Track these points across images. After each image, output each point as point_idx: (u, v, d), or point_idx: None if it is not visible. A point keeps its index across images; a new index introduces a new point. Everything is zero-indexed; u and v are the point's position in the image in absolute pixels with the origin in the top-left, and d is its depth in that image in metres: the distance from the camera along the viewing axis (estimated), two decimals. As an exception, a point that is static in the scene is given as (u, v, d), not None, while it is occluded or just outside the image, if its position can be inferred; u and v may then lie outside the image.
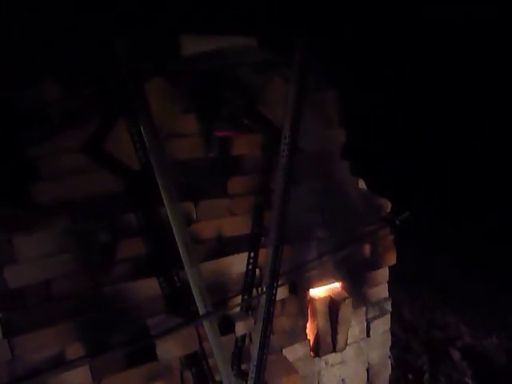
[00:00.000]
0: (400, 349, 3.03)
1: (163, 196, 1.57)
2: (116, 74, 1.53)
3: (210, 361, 1.88)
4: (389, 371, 2.51)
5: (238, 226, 1.88)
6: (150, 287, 1.72)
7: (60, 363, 1.59)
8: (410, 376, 2.77)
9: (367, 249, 2.25)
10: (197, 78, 1.73)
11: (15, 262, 1.49)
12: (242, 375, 1.94)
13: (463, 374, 2.73)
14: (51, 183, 1.51)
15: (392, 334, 2.46)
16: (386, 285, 2.38)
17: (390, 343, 2.47)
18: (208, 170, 1.78)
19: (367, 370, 2.42)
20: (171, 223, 1.60)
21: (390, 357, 2.51)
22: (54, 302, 1.57)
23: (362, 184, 2.29)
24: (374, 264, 2.29)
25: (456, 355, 2.90)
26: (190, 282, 1.65)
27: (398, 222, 2.23)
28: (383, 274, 2.34)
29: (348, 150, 2.17)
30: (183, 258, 1.63)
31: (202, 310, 1.69)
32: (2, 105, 1.55)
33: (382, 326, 2.41)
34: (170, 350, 1.66)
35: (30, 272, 1.52)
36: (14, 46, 1.77)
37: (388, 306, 2.40)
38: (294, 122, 1.81)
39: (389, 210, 2.30)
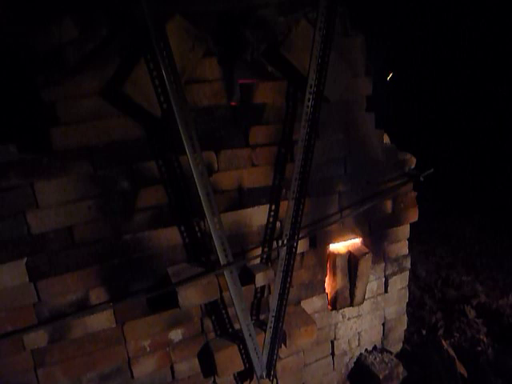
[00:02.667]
0: (414, 305, 3.05)
1: (185, 144, 1.52)
2: (135, 12, 1.45)
3: (229, 310, 1.91)
4: (404, 326, 2.53)
5: (259, 177, 1.84)
6: (170, 236, 1.72)
7: (84, 307, 1.62)
8: (424, 332, 2.79)
9: (389, 205, 2.20)
10: (219, 18, 1.63)
11: (38, 207, 1.48)
12: (261, 325, 1.97)
13: (478, 331, 2.74)
14: (71, 127, 1.47)
15: (407, 291, 2.46)
16: (407, 242, 2.35)
17: (406, 299, 2.48)
18: (229, 119, 1.72)
19: (383, 325, 2.45)
20: (193, 172, 1.56)
21: (405, 313, 2.53)
22: (77, 247, 1.58)
23: (386, 138, 2.21)
24: (396, 220, 2.25)
25: (471, 313, 2.91)
26: (212, 231, 1.64)
27: (422, 179, 2.17)
28: (404, 230, 2.31)
29: (374, 101, 2.08)
30: (204, 208, 1.61)
31: (222, 260, 1.69)
32: (20, 46, 1.49)
33: (400, 283, 2.41)
34: (191, 297, 1.67)
35: (53, 217, 1.51)
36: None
37: (407, 263, 2.39)
38: (320, 70, 1.72)
39: (413, 165, 2.23)
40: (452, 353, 2.42)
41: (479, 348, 2.59)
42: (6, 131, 1.52)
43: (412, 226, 2.33)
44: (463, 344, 2.65)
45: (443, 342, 2.49)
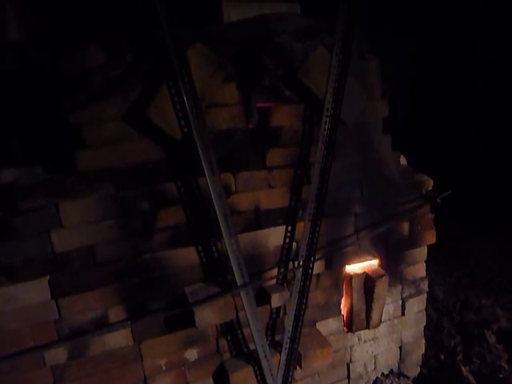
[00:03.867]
0: (432, 328, 2.99)
1: (204, 166, 1.56)
2: (158, 40, 1.51)
3: (244, 330, 1.92)
4: (422, 350, 2.49)
5: (275, 198, 1.86)
6: (188, 256, 1.75)
7: (103, 325, 1.65)
8: (442, 356, 2.73)
9: (406, 226, 2.20)
10: (239, 45, 1.69)
11: (61, 226, 1.53)
12: (276, 346, 1.97)
13: (499, 357, 2.66)
14: (95, 150, 1.53)
15: (424, 314, 2.43)
16: (424, 264, 2.33)
17: (424, 323, 2.44)
18: (247, 141, 1.76)
19: (400, 348, 2.41)
20: (211, 194, 1.60)
21: (422, 336, 2.48)
22: (98, 266, 1.61)
23: (403, 160, 2.22)
24: (413, 242, 2.24)
25: (491, 338, 2.83)
26: (228, 251, 1.66)
27: (439, 201, 2.16)
28: (421, 252, 2.29)
29: (390, 123, 2.10)
30: (222, 229, 1.63)
31: (239, 281, 1.71)
32: (47, 72, 1.57)
33: (417, 306, 2.37)
34: (208, 317, 1.69)
35: (76, 237, 1.56)
36: (57, 12, 1.78)
37: (424, 286, 2.36)
38: (336, 94, 1.75)
39: (430, 187, 2.23)
40: (472, 379, 2.35)
41: (500, 375, 2.51)
42: (32, 153, 1.58)
43: (429, 246, 2.31)
44: (483, 370, 2.58)
45: (462, 367, 2.43)
